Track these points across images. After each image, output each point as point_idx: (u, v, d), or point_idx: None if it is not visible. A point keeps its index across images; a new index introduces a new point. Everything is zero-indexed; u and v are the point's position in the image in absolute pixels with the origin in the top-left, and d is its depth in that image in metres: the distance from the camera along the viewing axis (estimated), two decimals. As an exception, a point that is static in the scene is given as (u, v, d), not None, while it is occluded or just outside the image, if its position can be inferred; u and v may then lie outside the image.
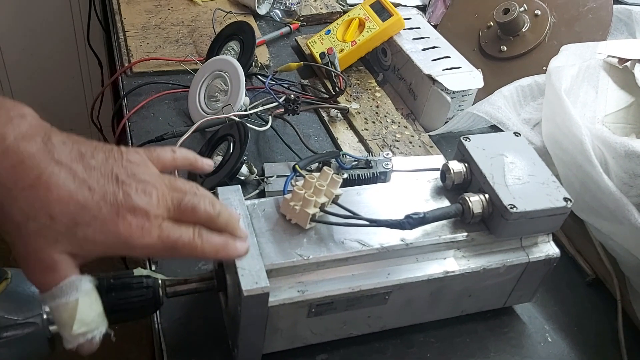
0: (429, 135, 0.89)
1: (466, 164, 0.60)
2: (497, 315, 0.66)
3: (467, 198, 0.57)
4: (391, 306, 0.57)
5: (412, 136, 0.87)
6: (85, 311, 0.45)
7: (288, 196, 0.56)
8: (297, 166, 0.62)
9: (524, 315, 0.67)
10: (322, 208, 0.56)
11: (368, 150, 0.85)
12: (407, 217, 0.54)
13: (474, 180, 0.60)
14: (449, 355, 0.62)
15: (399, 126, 0.89)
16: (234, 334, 0.55)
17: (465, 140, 0.61)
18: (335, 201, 0.57)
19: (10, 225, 0.42)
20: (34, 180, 0.41)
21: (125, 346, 1.62)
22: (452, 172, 0.60)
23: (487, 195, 0.57)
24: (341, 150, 0.83)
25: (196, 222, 0.48)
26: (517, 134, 0.64)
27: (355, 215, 0.55)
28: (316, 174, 0.57)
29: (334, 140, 0.88)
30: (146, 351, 1.64)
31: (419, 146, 0.86)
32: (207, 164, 0.54)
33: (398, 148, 0.85)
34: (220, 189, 0.57)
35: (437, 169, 0.63)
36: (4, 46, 1.86)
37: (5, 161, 0.41)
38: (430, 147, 0.86)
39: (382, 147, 0.85)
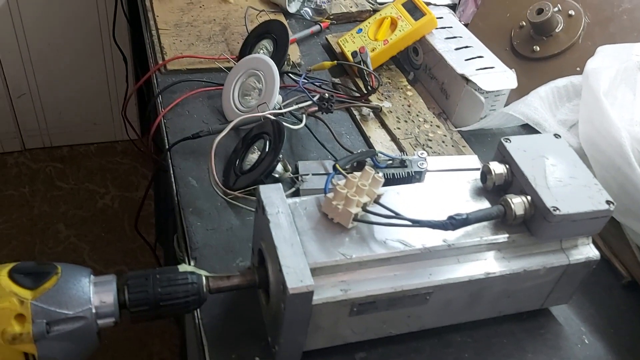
0: (460, 130, 0.88)
1: (507, 165, 0.60)
2: (533, 317, 0.66)
3: (509, 200, 0.57)
4: (431, 306, 0.57)
5: (445, 135, 0.87)
6: None
7: (330, 195, 0.56)
8: (337, 165, 0.62)
9: (560, 317, 0.67)
10: (364, 207, 0.56)
11: (401, 149, 0.85)
12: (450, 218, 0.54)
13: (515, 181, 0.60)
14: (486, 355, 0.62)
15: (431, 125, 0.89)
16: (275, 331, 0.55)
17: (506, 142, 0.61)
18: (376, 201, 0.57)
19: None
20: None
21: (149, 339, 1.64)
22: (493, 173, 0.60)
23: (529, 197, 0.57)
24: (374, 149, 0.83)
25: None
26: (557, 135, 0.63)
27: (398, 215, 0.55)
28: (357, 173, 0.57)
29: (366, 139, 0.88)
30: (168, 344, 1.66)
31: (452, 146, 0.86)
32: None
33: (431, 147, 0.85)
34: (261, 187, 0.58)
35: (472, 169, 0.63)
36: (30, 40, 1.88)
37: None
38: (463, 146, 0.86)
39: (415, 146, 0.85)
